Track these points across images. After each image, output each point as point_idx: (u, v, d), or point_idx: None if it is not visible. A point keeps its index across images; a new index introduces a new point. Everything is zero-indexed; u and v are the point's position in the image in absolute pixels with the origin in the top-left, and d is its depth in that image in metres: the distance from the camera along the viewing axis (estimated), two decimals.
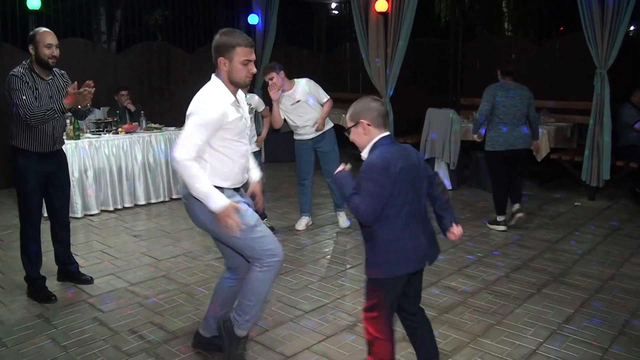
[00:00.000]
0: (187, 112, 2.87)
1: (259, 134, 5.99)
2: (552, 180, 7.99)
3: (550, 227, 5.92)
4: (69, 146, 6.22)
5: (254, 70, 2.92)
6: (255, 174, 3.28)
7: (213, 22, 11.20)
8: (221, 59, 2.88)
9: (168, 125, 7.59)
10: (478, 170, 7.64)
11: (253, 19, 10.48)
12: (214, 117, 2.82)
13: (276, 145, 9.73)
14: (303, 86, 5.56)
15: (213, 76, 2.96)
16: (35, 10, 7.62)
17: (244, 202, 3.04)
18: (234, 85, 2.93)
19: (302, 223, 5.90)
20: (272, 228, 5.74)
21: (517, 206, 5.89)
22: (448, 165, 7.56)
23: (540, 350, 3.38)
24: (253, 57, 2.90)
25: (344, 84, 12.22)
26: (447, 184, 7.65)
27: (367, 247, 2.62)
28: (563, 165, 7.64)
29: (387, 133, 2.61)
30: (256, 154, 5.45)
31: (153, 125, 7.38)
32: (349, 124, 2.64)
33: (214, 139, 2.87)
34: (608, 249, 5.25)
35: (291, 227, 5.93)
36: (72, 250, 4.54)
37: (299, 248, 5.35)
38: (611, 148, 6.86)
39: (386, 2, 8.55)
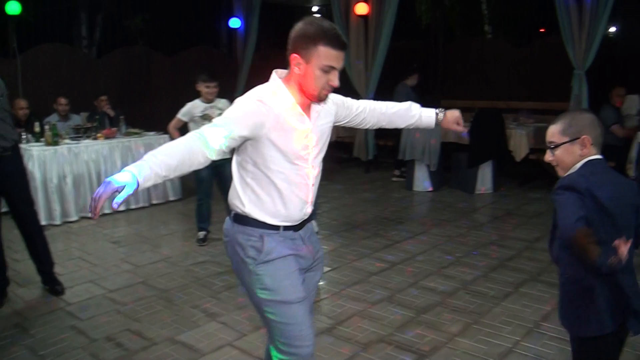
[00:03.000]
0: None
1: None
2: (531, 181, 8.05)
3: (529, 227, 5.97)
4: (47, 152, 6.19)
5: (336, 83, 2.07)
6: (424, 118, 2.56)
7: (194, 26, 11.20)
8: (295, 57, 2.06)
9: (148, 130, 7.55)
10: (458, 171, 7.70)
11: (235, 23, 10.49)
12: (248, 111, 2.03)
13: None
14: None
15: (273, 74, 2.17)
16: (15, 15, 7.57)
17: (302, 258, 2.27)
18: (302, 92, 2.10)
19: None
20: None
21: None
22: (428, 166, 7.61)
23: (517, 348, 3.40)
24: (340, 64, 2.06)
25: None
26: (428, 185, 7.69)
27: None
28: (542, 165, 7.71)
29: (600, 155, 2.14)
30: (226, 163, 5.19)
31: (132, 130, 7.34)
32: (562, 138, 2.12)
33: (255, 153, 2.10)
34: None
35: None
36: (52, 257, 4.49)
37: None
38: None
39: (366, 5, 8.62)
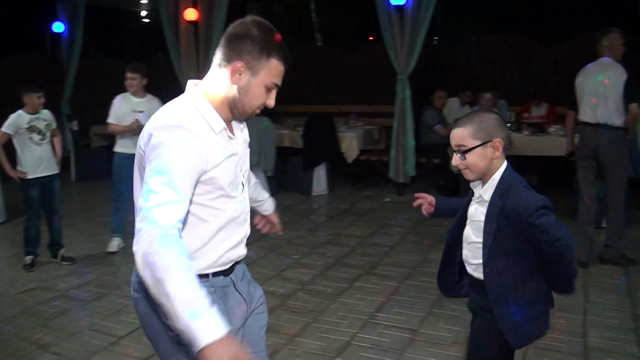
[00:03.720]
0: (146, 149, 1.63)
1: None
2: (362, 180, 8.48)
3: (362, 224, 6.27)
4: None
5: (273, 103, 1.76)
6: (266, 204, 2.43)
7: (14, 30, 10.34)
8: (239, 64, 1.67)
9: None
10: (294, 175, 7.88)
11: (58, 27, 9.85)
12: (190, 157, 1.59)
13: (87, 161, 9.20)
14: (156, 105, 5.40)
15: (190, 86, 1.77)
16: None
17: (234, 315, 1.84)
18: (231, 110, 1.73)
19: (114, 245, 5.51)
20: (70, 259, 5.26)
21: None
22: (265, 172, 7.69)
23: (354, 340, 3.55)
24: (280, 81, 1.76)
25: (156, 95, 11.91)
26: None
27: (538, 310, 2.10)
28: (372, 165, 8.15)
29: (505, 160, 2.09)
30: (55, 178, 5.04)
31: None
32: (474, 142, 2.02)
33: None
34: (416, 239, 5.66)
35: (103, 250, 5.52)
36: None
37: (113, 270, 5.07)
38: (415, 146, 7.45)
39: (195, 11, 8.50)
